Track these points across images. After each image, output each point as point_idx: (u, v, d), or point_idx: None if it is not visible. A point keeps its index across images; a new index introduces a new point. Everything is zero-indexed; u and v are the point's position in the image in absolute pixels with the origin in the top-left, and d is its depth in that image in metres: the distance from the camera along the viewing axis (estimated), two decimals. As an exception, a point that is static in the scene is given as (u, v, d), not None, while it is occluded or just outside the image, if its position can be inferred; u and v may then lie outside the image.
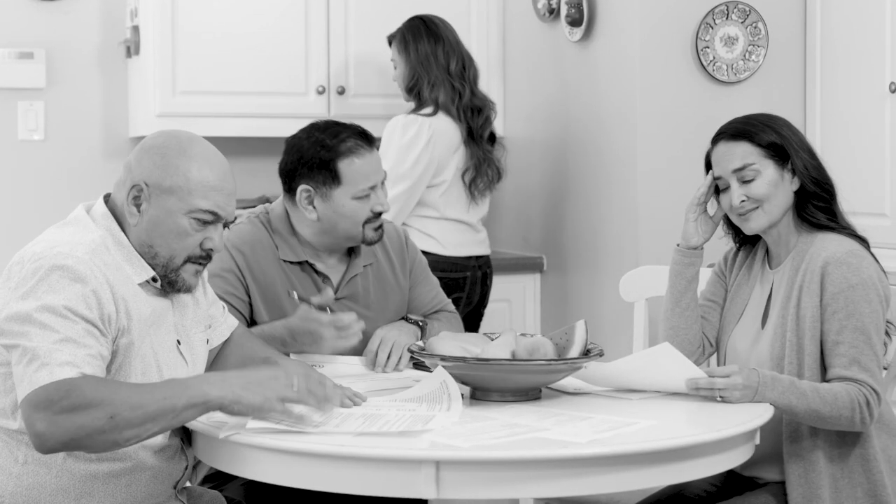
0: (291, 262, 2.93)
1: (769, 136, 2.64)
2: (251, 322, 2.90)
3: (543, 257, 4.64)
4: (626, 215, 4.16)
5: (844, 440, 2.55)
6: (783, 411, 2.47)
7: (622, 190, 4.17)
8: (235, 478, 2.61)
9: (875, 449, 2.55)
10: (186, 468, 2.42)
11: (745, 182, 2.63)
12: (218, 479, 2.80)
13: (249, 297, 2.90)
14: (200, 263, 2.35)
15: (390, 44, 4.23)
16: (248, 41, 4.49)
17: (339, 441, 2.13)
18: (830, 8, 4.09)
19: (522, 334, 2.60)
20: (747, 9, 4.12)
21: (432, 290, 3.14)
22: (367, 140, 2.93)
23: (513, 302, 4.62)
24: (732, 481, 2.71)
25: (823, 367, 2.55)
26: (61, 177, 4.58)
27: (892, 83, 3.80)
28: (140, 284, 2.30)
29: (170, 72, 4.39)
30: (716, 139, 2.71)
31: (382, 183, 2.94)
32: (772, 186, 2.62)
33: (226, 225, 2.37)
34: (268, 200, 4.60)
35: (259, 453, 2.18)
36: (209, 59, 4.44)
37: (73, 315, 2.15)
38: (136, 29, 4.44)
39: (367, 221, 2.90)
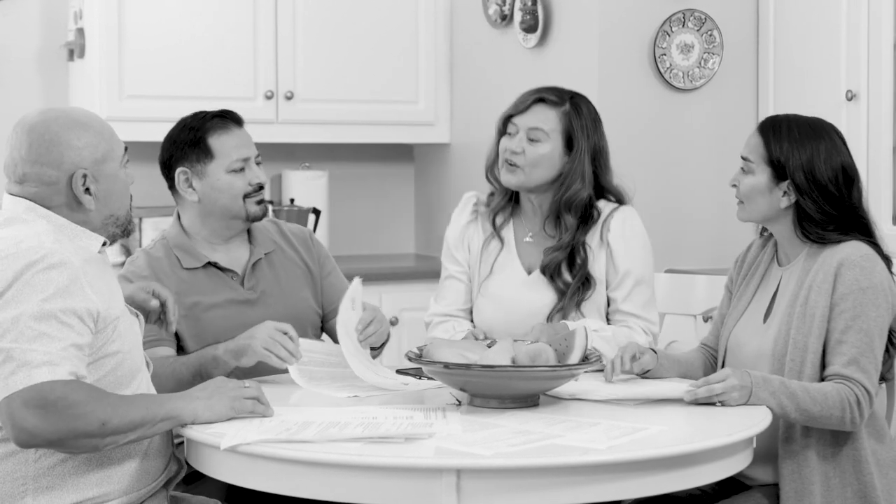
0: (195, 269, 2.95)
1: (780, 150, 2.62)
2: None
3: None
4: (585, 221, 4.15)
5: (837, 440, 2.58)
6: (774, 412, 2.48)
7: (580, 196, 4.16)
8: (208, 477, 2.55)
9: (866, 451, 2.58)
10: (180, 470, 2.44)
11: (743, 171, 2.67)
12: (192, 481, 2.74)
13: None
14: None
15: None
16: (195, 45, 4.43)
17: (354, 450, 2.09)
18: (784, 16, 4.14)
19: (516, 340, 2.57)
20: (703, 17, 4.15)
21: (345, 282, 3.09)
22: (234, 118, 3.00)
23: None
24: (720, 483, 2.71)
25: (823, 366, 2.58)
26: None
27: (849, 91, 3.85)
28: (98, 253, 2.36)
29: (116, 75, 4.31)
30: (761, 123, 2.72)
31: (257, 160, 2.99)
32: (754, 191, 2.65)
33: None
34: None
35: (269, 464, 2.13)
36: (156, 64, 4.37)
37: (69, 317, 2.17)
38: (80, 31, 4.34)
39: (247, 196, 2.95)
